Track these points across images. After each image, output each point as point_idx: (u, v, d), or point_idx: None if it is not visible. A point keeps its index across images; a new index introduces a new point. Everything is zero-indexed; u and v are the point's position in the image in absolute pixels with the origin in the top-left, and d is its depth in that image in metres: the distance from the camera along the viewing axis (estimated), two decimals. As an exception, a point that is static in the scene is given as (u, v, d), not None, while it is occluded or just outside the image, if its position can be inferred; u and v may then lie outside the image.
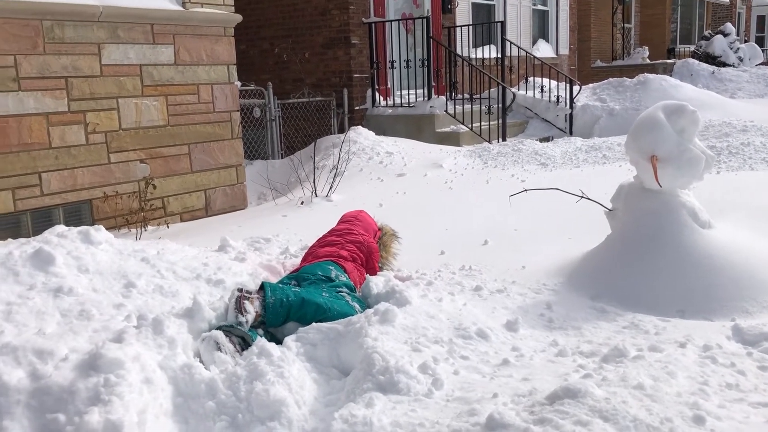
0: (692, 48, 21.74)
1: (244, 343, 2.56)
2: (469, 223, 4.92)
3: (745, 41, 26.98)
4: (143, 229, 5.59)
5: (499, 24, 11.35)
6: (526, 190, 4.14)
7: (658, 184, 3.33)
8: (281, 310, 2.76)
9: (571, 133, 10.61)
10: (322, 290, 2.97)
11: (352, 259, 3.47)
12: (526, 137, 10.31)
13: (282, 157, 8.95)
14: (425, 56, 9.85)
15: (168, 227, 5.76)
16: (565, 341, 2.64)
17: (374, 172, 6.88)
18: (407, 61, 10.06)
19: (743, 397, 2.03)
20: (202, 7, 6.64)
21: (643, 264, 3.30)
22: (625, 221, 3.51)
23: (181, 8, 6.45)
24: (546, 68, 11.43)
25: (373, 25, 10.17)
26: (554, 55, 15.35)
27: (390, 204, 5.69)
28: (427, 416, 1.95)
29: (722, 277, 3.20)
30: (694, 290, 3.15)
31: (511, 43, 11.28)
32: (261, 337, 2.60)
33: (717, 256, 3.26)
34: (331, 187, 6.13)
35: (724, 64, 20.01)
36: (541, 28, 15.21)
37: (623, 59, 18.87)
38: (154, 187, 5.83)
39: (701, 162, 3.36)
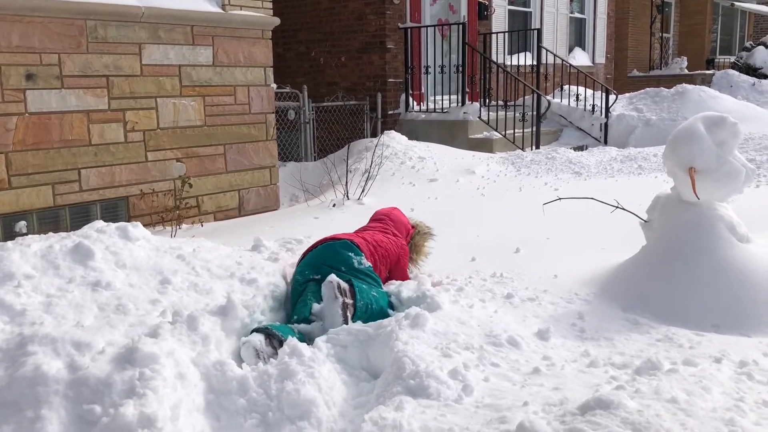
0: (732, 59, 21.36)
1: (280, 344, 2.60)
2: (501, 231, 4.89)
3: (788, 53, 26.44)
4: (178, 227, 5.68)
5: (535, 31, 11.30)
6: (560, 199, 4.11)
7: (696, 196, 3.28)
8: (364, 315, 2.87)
9: (606, 143, 10.50)
10: (373, 288, 3.07)
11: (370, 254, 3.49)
12: (560, 145, 10.23)
13: (315, 160, 9.01)
14: (460, 62, 9.84)
15: (202, 226, 5.84)
16: (596, 352, 2.62)
17: (406, 177, 6.89)
18: (441, 67, 10.07)
19: None
20: (240, 9, 6.73)
21: (678, 276, 3.25)
22: (661, 233, 3.46)
23: (220, 10, 6.54)
24: (581, 76, 11.33)
25: (408, 30, 10.20)
26: (590, 64, 15.22)
27: (421, 209, 5.69)
28: (456, 422, 1.95)
29: (760, 292, 3.14)
30: (730, 305, 3.10)
31: (546, 50, 11.21)
32: (293, 336, 2.63)
33: (754, 270, 3.20)
34: (363, 190, 6.15)
35: (765, 76, 19.63)
36: (578, 36, 15.10)
37: (660, 69, 18.61)
38: (191, 185, 5.92)
39: (741, 175, 3.30)
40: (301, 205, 6.61)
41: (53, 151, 5.47)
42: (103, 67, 5.71)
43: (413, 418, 1.96)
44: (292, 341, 2.43)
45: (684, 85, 10.83)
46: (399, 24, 10.24)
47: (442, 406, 2.06)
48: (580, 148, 9.94)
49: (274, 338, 2.61)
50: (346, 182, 6.22)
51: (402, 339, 2.41)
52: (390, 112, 10.32)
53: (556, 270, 3.84)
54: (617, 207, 3.75)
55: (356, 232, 3.83)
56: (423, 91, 10.66)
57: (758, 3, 23.55)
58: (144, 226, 5.88)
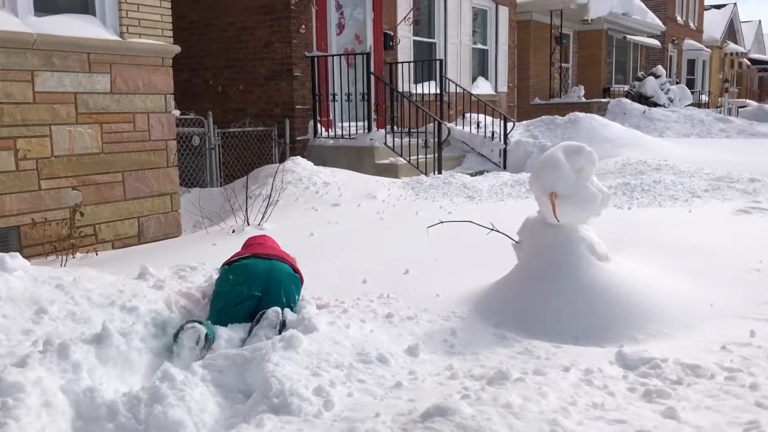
0: (626, 88, 22.75)
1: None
2: (395, 253, 5.09)
3: (677, 83, 28.37)
4: (72, 256, 5.58)
5: (438, 62, 11.74)
6: (441, 222, 4.35)
7: (556, 219, 3.57)
8: None
9: (504, 168, 10.99)
10: None
11: None
12: (463, 170, 10.65)
13: (221, 185, 9.01)
14: (365, 90, 10.10)
15: (96, 254, 5.76)
16: (460, 365, 2.81)
17: (309, 202, 7.02)
18: (348, 95, 10.30)
19: (603, 415, 2.23)
20: (140, 37, 6.72)
21: (543, 294, 3.51)
22: (529, 253, 3.73)
23: (118, 38, 6.52)
24: (484, 105, 11.84)
25: (315, 58, 10.40)
26: (493, 92, 15.86)
27: (321, 233, 5.83)
28: None
29: (615, 306, 3.43)
30: (588, 319, 3.38)
31: (449, 80, 11.65)
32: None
33: (611, 287, 3.51)
34: (263, 216, 6.24)
35: (656, 104, 20.99)
36: (482, 66, 15.73)
37: (560, 97, 19.60)
38: (82, 214, 5.84)
39: (597, 199, 3.62)
40: (201, 232, 6.61)
41: (-64, 179, 5.28)
42: (-8, 94, 5.58)
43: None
44: (164, 366, 2.51)
45: (576, 113, 11.50)
46: (306, 52, 10.43)
47: (301, 422, 2.19)
48: (480, 173, 10.37)
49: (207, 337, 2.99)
50: (246, 208, 6.28)
51: (273, 361, 2.53)
52: (298, 138, 10.45)
53: (438, 290, 4.05)
54: (492, 229, 4.01)
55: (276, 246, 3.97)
56: (331, 117, 10.87)
57: (648, 36, 25.23)
58: (37, 256, 5.77)
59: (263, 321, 3.17)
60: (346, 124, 10.53)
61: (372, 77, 10.14)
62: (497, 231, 4.01)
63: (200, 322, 3.09)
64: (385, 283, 4.26)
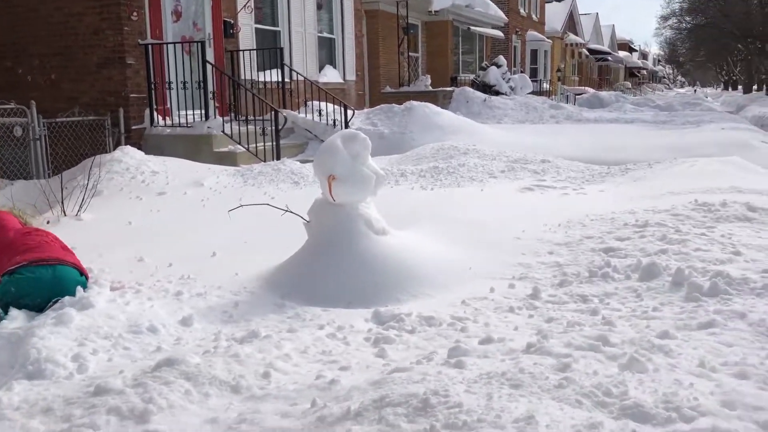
0: (472, 77, 24.03)
1: None
2: (209, 238, 5.30)
3: (521, 72, 30.26)
4: None
5: (279, 50, 11.94)
6: (242, 206, 4.64)
7: (332, 198, 3.97)
8: None
9: (346, 154, 11.42)
10: None
11: None
12: (305, 157, 10.95)
13: (48, 177, 8.76)
14: (201, 78, 10.14)
15: None
16: (228, 330, 3.13)
17: (135, 191, 7.06)
18: (184, 83, 10.28)
19: (324, 358, 2.66)
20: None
21: (322, 266, 3.90)
22: (315, 230, 4.11)
23: None
24: (331, 92, 12.20)
25: (150, 46, 10.27)
26: (342, 81, 16.27)
27: (141, 221, 5.94)
28: (57, 392, 2.33)
29: (384, 274, 3.89)
30: (361, 285, 3.81)
31: (291, 68, 11.89)
32: None
33: (383, 257, 3.96)
34: (80, 207, 6.23)
35: (498, 93, 22.37)
36: (329, 55, 16.07)
37: (409, 86, 20.38)
38: None
39: (371, 180, 4.05)
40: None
41: None
42: None
43: (17, 395, 2.29)
44: None
45: (412, 102, 12.13)
46: (139, 40, 10.28)
47: (51, 384, 2.42)
48: (323, 160, 10.73)
49: None
50: (62, 199, 6.25)
51: (39, 335, 2.73)
52: (134, 127, 10.30)
53: (240, 269, 4.34)
54: (286, 211, 4.35)
55: (41, 237, 4.00)
56: (168, 106, 10.78)
57: (492, 28, 26.70)
58: None
59: (56, 304, 3.28)
60: (185, 112, 10.49)
61: (208, 65, 10.17)
62: (291, 212, 4.35)
63: None
64: (191, 266, 4.49)
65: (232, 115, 11.23)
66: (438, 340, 2.84)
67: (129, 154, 7.93)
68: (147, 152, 9.54)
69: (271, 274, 4.07)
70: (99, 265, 4.48)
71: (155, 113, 10.45)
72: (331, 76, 15.86)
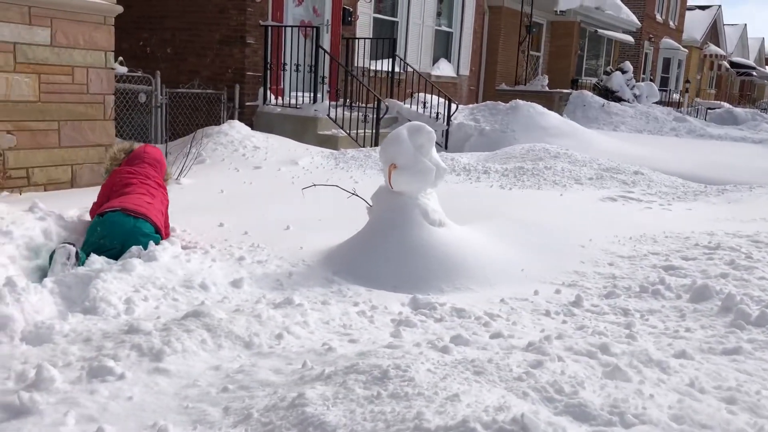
0: (594, 81, 23.30)
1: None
2: (287, 212, 5.61)
3: (651, 80, 28.95)
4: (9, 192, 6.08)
5: (391, 41, 12.19)
6: (314, 185, 4.90)
7: (390, 186, 4.13)
8: None
9: (446, 148, 11.53)
10: None
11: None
12: (406, 147, 11.15)
13: (165, 143, 9.47)
14: (313, 62, 10.56)
15: (21, 194, 6.25)
16: (271, 296, 3.38)
17: (234, 163, 7.53)
18: (297, 65, 10.75)
19: (341, 330, 2.83)
20: (83, -5, 7.14)
21: (374, 249, 4.08)
22: (374, 215, 4.29)
23: (60, -6, 6.93)
24: (440, 86, 12.35)
25: (269, 28, 10.81)
26: (455, 75, 16.34)
27: (232, 191, 6.35)
28: (100, 327, 2.65)
29: (434, 264, 4.01)
30: (409, 272, 3.95)
31: (402, 60, 12.12)
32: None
33: (435, 247, 4.07)
34: (181, 172, 6.75)
35: (620, 99, 21.59)
36: (445, 49, 16.17)
37: (525, 85, 20.08)
38: (1, 154, 6.30)
39: (431, 172, 4.17)
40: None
41: None
42: (-68, 39, 6.01)
43: (69, 324, 2.64)
44: (9, 275, 3.05)
45: (517, 101, 12.03)
46: (260, 21, 10.85)
47: (100, 320, 2.76)
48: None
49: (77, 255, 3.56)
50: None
51: (104, 278, 3.09)
52: (248, 104, 10.91)
53: (306, 243, 4.60)
54: (353, 194, 4.56)
55: (144, 191, 4.44)
56: (282, 86, 11.31)
57: (623, 32, 25.71)
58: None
59: (126, 254, 3.70)
60: (298, 93, 10.98)
61: (321, 50, 10.58)
62: (357, 196, 4.56)
63: (73, 245, 3.61)
64: (264, 235, 4.80)
65: (343, 100, 11.63)
66: (457, 330, 2.94)
67: (236, 128, 8.44)
68: (258, 129, 10.12)
69: (330, 251, 4.29)
70: (183, 225, 4.89)
71: (269, 92, 11.01)
72: (444, 69, 15.97)
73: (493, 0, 19.22)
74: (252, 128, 9.83)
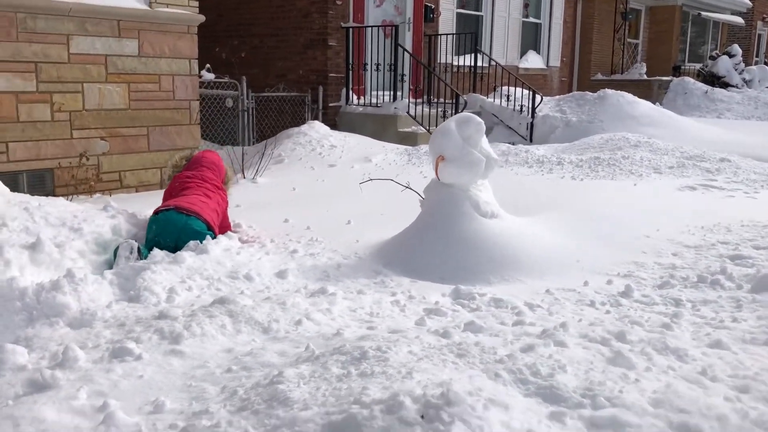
0: (699, 67, 22.03)
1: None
2: (353, 207, 5.71)
3: (766, 63, 27.00)
4: (90, 196, 6.55)
5: (471, 35, 12.09)
6: (371, 179, 4.96)
7: (438, 177, 4.12)
8: None
9: (531, 141, 11.29)
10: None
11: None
12: (490, 141, 11.02)
13: (252, 145, 9.87)
14: (393, 61, 10.65)
15: (110, 196, 6.70)
16: (315, 286, 3.46)
17: (310, 162, 7.73)
18: (377, 65, 10.88)
19: (367, 318, 2.86)
20: (167, 7, 7.57)
21: (424, 241, 4.09)
22: (425, 208, 4.30)
23: (147, 7, 7.38)
24: (527, 79, 12.13)
25: (350, 29, 11.01)
26: (544, 67, 15.96)
27: (304, 189, 6.54)
28: (137, 314, 2.83)
29: (483, 255, 3.97)
30: (456, 263, 3.93)
31: (483, 53, 12.00)
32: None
33: (484, 239, 4.04)
34: (257, 171, 7.01)
35: (728, 85, 20.30)
36: (533, 40, 15.83)
37: (622, 74, 19.31)
38: (87, 159, 6.77)
39: (480, 164, 4.13)
40: (211, 183, 7.46)
41: (-18, 125, 6.34)
42: (32, 54, 6.57)
43: (110, 311, 2.84)
44: (70, 267, 3.31)
45: (605, 90, 11.59)
46: (342, 23, 11.06)
47: (141, 307, 2.94)
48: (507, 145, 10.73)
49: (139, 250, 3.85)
50: (242, 164, 7.08)
51: (154, 270, 3.29)
52: (331, 104, 11.16)
53: (363, 237, 4.67)
54: (406, 187, 4.59)
55: (200, 192, 4.66)
56: (364, 86, 11.49)
57: (731, 14, 24.16)
58: (66, 194, 6.76)
59: (184, 248, 3.92)
60: (381, 92, 11.12)
61: (400, 48, 10.65)
62: (411, 189, 4.58)
63: (135, 241, 3.87)
64: (324, 230, 4.92)
65: (425, 97, 11.66)
66: (487, 319, 2.90)
67: (315, 128, 8.66)
68: (341, 129, 10.35)
69: (383, 243, 4.34)
70: (248, 221, 5.10)
71: (351, 92, 11.21)
72: (533, 61, 15.64)
73: (586, -12, 18.61)
74: (335, 128, 10.06)
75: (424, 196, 4.46)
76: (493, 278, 3.82)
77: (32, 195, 6.43)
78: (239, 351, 2.46)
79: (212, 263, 3.54)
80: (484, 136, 4.28)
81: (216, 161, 5.07)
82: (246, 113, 9.98)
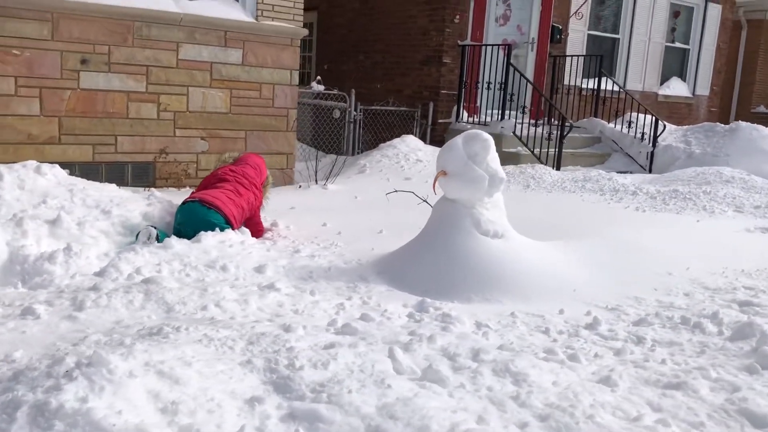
0: None
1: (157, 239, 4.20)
2: (395, 217, 5.73)
3: None
4: (178, 189, 7.20)
5: (598, 58, 11.65)
6: (396, 191, 5.02)
7: (434, 191, 4.11)
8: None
9: (650, 171, 10.64)
10: None
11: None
12: (606, 169, 10.50)
13: (354, 155, 10.23)
14: (503, 80, 10.55)
15: (188, 188, 7.28)
16: (286, 283, 3.60)
17: (388, 173, 7.90)
18: (489, 83, 10.81)
19: (320, 324, 2.94)
20: (272, 20, 8.13)
21: (417, 254, 4.09)
22: (427, 222, 4.31)
23: (253, 20, 7.98)
24: (669, 106, 11.44)
25: (467, 47, 11.07)
26: (689, 95, 14.93)
27: (365, 198, 6.72)
28: (86, 284, 3.15)
29: (474, 273, 3.90)
30: (442, 278, 3.90)
31: (607, 76, 11.51)
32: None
33: (477, 257, 3.96)
34: (327, 178, 7.30)
35: None
36: (678, 67, 14.86)
37: (789, 107, 17.53)
38: (167, 154, 7.39)
39: (483, 181, 4.05)
40: (295, 186, 7.86)
41: (96, 119, 7.19)
42: (144, 59, 7.36)
43: (69, 280, 3.19)
44: (69, 245, 3.74)
45: (739, 122, 10.63)
46: (459, 41, 11.15)
47: (100, 280, 3.28)
48: (621, 173, 10.18)
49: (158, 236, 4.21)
50: (315, 171, 7.39)
51: (137, 251, 3.68)
52: (440, 121, 11.26)
53: (381, 246, 4.74)
54: (423, 200, 4.62)
55: (231, 187, 4.98)
56: (478, 104, 11.46)
57: None
58: (163, 186, 7.44)
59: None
60: (493, 111, 11.03)
61: (511, 68, 10.52)
62: (427, 203, 4.60)
63: (155, 228, 4.25)
64: (351, 236, 5.05)
65: (545, 118, 11.40)
66: (444, 337, 2.88)
67: (405, 142, 8.83)
68: (447, 145, 10.40)
69: (389, 253, 4.40)
70: (290, 221, 5.36)
71: (462, 109, 11.24)
72: (676, 88, 14.70)
73: (753, 13, 17.19)
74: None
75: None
76: (475, 297, 3.75)
77: (136, 186, 7.23)
78: (126, 323, 2.68)
79: (198, 252, 3.82)
80: (493, 154, 4.21)
81: (259, 163, 5.40)
82: (353, 124, 10.36)
